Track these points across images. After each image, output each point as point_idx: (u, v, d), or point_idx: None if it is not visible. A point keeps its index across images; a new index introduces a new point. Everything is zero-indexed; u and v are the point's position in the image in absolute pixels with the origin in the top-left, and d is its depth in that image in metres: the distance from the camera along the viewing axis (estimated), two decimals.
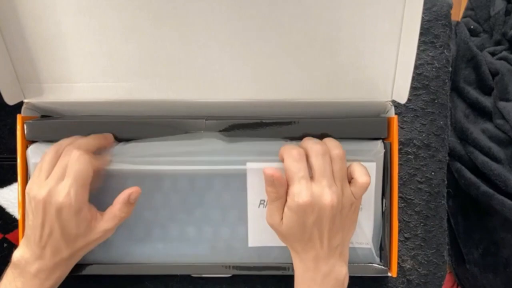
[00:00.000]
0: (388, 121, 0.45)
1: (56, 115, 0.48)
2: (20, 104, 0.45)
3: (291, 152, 0.39)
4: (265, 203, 0.44)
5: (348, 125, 0.44)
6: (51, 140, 0.44)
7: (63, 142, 0.42)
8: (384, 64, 0.43)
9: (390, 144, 0.44)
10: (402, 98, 0.43)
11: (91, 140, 0.43)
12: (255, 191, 0.44)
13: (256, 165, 0.43)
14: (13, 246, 0.53)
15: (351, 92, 0.44)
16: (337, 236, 0.40)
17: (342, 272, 0.40)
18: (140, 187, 0.43)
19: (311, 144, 0.40)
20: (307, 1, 0.40)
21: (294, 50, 0.42)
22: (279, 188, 0.39)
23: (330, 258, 0.40)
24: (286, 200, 0.39)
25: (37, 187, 0.39)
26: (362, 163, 0.42)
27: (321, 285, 0.40)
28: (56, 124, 0.46)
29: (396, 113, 0.52)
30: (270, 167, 0.40)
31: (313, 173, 0.39)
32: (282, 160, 0.40)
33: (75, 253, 0.41)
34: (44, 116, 0.48)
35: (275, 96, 0.44)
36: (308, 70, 0.43)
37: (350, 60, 0.43)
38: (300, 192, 0.38)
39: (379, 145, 0.44)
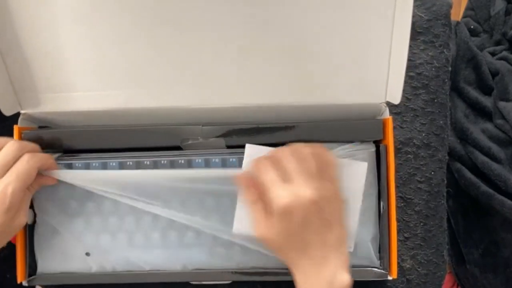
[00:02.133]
0: (383, 122, 0.45)
1: (53, 126, 0.48)
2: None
3: (263, 161, 0.40)
4: None
5: (344, 128, 0.44)
6: (49, 151, 0.45)
7: (4, 139, 0.42)
8: (377, 66, 0.43)
9: (386, 147, 0.44)
10: (396, 99, 0.43)
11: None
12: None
13: (255, 146, 0.43)
14: (13, 246, 0.53)
15: (346, 95, 0.44)
16: (331, 235, 0.38)
17: (344, 279, 0.38)
18: (139, 194, 0.44)
19: (279, 151, 0.40)
20: (300, 6, 0.41)
21: (288, 55, 0.43)
22: (253, 189, 0.40)
23: (329, 260, 0.38)
24: (264, 206, 0.39)
25: None
26: (354, 160, 0.43)
27: None
28: (53, 134, 0.46)
29: (395, 113, 0.53)
30: (239, 173, 0.41)
31: (288, 175, 0.38)
32: (244, 180, 0.41)
33: None
34: (41, 127, 0.48)
35: (270, 100, 0.44)
36: (303, 74, 0.43)
37: (343, 63, 0.43)
38: (280, 194, 0.37)
39: (370, 145, 0.45)
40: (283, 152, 0.40)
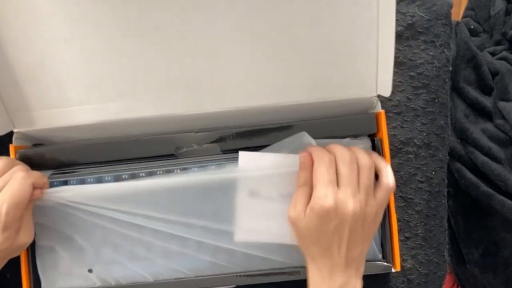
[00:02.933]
0: (376, 116, 0.45)
1: (47, 142, 0.48)
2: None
3: (323, 157, 0.39)
4: (255, 194, 0.44)
5: (337, 124, 0.45)
6: (45, 168, 0.45)
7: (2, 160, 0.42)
8: (366, 60, 0.43)
9: (381, 140, 0.44)
10: (387, 91, 0.43)
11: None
12: (246, 179, 0.43)
13: (248, 153, 0.43)
14: None
15: (337, 91, 0.44)
16: (357, 249, 0.39)
17: (357, 285, 0.39)
18: (136, 204, 0.43)
19: (340, 151, 0.40)
20: (287, 7, 0.41)
21: (277, 55, 0.43)
22: (310, 173, 0.39)
23: (346, 269, 0.39)
24: (310, 198, 0.39)
25: None
26: None
27: None
28: (47, 151, 0.45)
29: (396, 113, 0.53)
30: (305, 151, 0.40)
31: (339, 180, 0.38)
32: (307, 159, 0.40)
33: None
34: (35, 145, 0.48)
35: (261, 102, 0.44)
36: (293, 74, 0.43)
37: (332, 60, 0.43)
38: (326, 195, 0.37)
39: (365, 141, 0.45)
40: (343, 153, 0.39)
